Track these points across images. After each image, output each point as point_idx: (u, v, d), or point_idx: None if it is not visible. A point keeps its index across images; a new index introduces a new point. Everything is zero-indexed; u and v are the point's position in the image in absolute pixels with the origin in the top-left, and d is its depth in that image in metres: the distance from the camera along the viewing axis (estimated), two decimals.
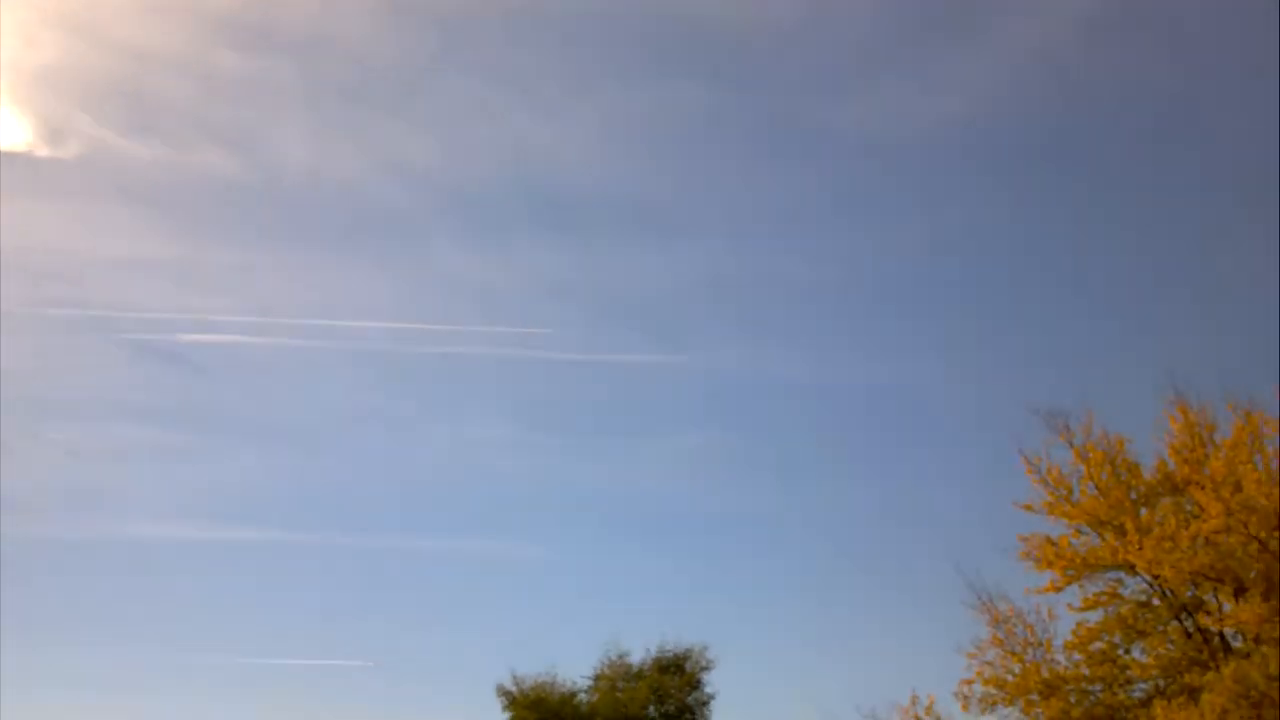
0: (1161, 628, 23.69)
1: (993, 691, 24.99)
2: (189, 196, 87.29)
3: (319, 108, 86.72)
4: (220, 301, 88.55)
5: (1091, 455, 24.74)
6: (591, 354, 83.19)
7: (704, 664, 45.37)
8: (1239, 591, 21.78)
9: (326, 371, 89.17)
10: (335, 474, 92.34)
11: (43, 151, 73.81)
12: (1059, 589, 24.82)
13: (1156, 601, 23.85)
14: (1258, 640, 21.20)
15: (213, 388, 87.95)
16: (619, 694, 44.66)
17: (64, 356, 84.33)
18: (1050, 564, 24.74)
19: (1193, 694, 21.21)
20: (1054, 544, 24.84)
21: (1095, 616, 24.42)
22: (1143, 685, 23.70)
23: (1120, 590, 24.23)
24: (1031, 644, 25.12)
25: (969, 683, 25.34)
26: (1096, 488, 24.54)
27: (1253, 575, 21.30)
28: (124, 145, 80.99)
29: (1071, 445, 25.06)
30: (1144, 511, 23.91)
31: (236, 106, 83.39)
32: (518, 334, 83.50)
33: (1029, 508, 25.38)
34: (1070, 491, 24.94)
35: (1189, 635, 23.33)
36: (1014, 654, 25.17)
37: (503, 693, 46.32)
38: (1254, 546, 20.94)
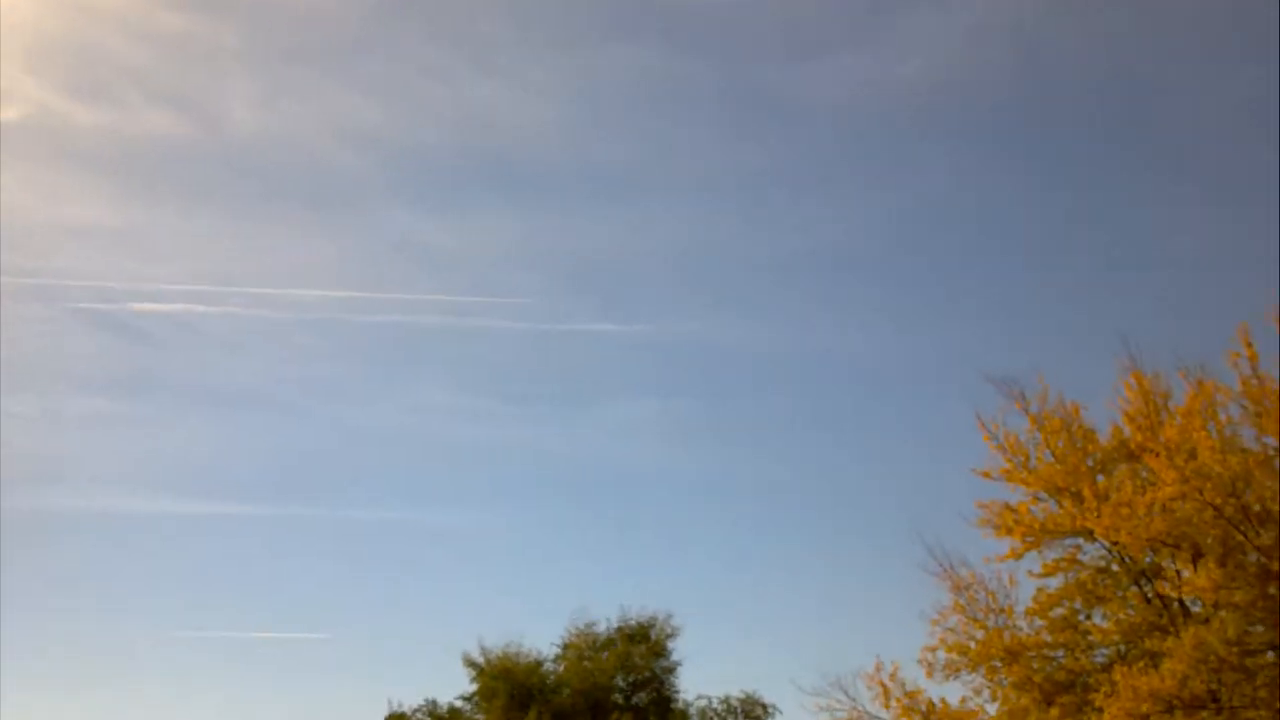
0: (1121, 593, 23.97)
1: (956, 658, 25.26)
2: (135, 160, 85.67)
3: (267, 70, 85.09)
4: (169, 269, 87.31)
5: (1047, 422, 24.91)
6: (549, 323, 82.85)
7: (669, 632, 45.72)
8: (1196, 557, 22.04)
9: (279, 340, 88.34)
10: (290, 444, 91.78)
11: None
12: (1019, 555, 25.04)
13: (1115, 567, 24.11)
14: (1216, 606, 21.52)
15: (163, 357, 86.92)
16: (587, 663, 44.89)
17: (10, 326, 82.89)
18: (1009, 530, 24.93)
19: (1153, 659, 21.52)
20: (1013, 511, 25.02)
21: (1055, 582, 24.66)
22: (1104, 651, 24.01)
23: (1079, 556, 24.44)
24: (993, 610, 25.38)
25: (932, 649, 25.62)
26: (1053, 455, 24.70)
27: (1209, 541, 21.54)
28: (68, 108, 79.25)
29: (1027, 413, 25.24)
30: (1101, 478, 24.13)
31: (183, 68, 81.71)
32: (473, 302, 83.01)
33: (987, 475, 25.54)
34: (1027, 458, 25.11)
35: (1148, 601, 23.63)
36: (976, 621, 25.43)
37: (469, 663, 46.43)
38: (1209, 513, 21.11)
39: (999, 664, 24.54)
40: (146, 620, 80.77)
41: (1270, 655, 20.88)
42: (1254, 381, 21.72)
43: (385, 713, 49.95)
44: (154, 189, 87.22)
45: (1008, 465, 25.42)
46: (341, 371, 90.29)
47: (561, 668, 45.75)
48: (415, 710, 49.94)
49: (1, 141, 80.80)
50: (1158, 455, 22.13)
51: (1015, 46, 76.50)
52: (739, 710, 45.65)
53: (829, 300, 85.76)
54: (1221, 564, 20.89)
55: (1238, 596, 20.86)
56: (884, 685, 25.57)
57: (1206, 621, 21.24)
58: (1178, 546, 22.21)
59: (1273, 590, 20.85)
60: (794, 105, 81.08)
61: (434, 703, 49.91)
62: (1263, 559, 20.85)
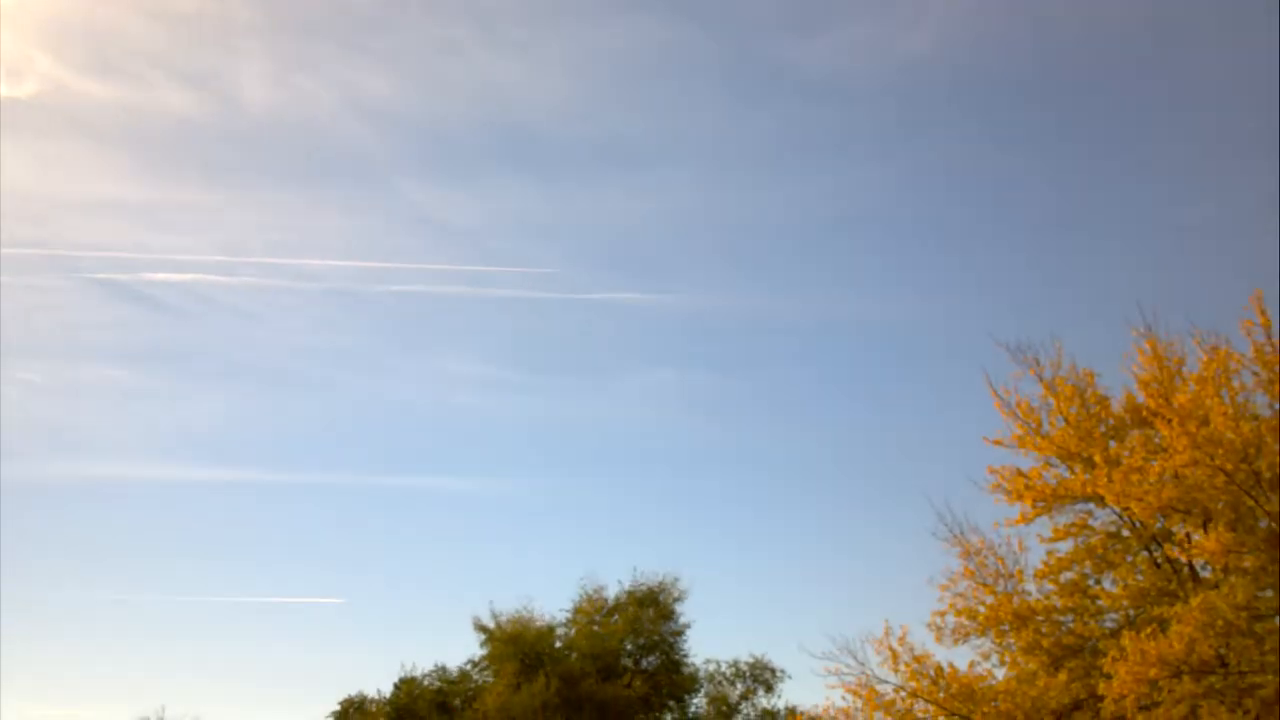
0: (1130, 558, 24.02)
1: (965, 622, 25.33)
2: (150, 135, 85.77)
3: (281, 45, 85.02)
4: (185, 241, 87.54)
5: (1061, 389, 24.92)
6: (564, 292, 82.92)
7: (677, 595, 45.98)
8: (1206, 523, 22.06)
9: (294, 310, 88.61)
10: (305, 413, 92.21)
11: (1, 91, 72.00)
12: (1029, 520, 25.10)
13: (1126, 532, 24.15)
14: (1225, 571, 21.55)
15: (180, 327, 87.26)
16: (596, 628, 45.14)
17: (28, 297, 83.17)
18: (1020, 496, 24.97)
19: (1162, 624, 21.55)
20: (1025, 476, 25.06)
21: (1065, 547, 24.71)
22: (1113, 616, 24.05)
23: (1090, 521, 24.51)
24: (1003, 575, 25.45)
25: (941, 614, 25.68)
26: (1066, 421, 24.73)
27: (1219, 506, 21.51)
28: (83, 84, 79.27)
29: (1041, 379, 25.26)
30: (1113, 444, 24.14)
31: (197, 45, 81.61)
32: (491, 273, 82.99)
33: (999, 443, 25.61)
34: (1040, 425, 25.14)
35: (1158, 566, 23.67)
36: (985, 585, 25.49)
37: (479, 627, 46.75)
38: (1220, 479, 21.07)
39: (1008, 628, 24.61)
40: (163, 585, 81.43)
41: (1278, 620, 20.90)
42: (1267, 348, 21.71)
43: (398, 677, 50.41)
44: (169, 163, 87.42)
45: (1020, 431, 25.45)
46: (359, 341, 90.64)
47: (572, 632, 46.03)
48: (426, 674, 50.36)
49: (17, 117, 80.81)
50: (1170, 421, 22.08)
51: (1022, 16, 76.05)
52: (748, 674, 45.96)
53: (843, 269, 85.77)
54: (1232, 528, 20.86)
55: (1247, 561, 20.88)
56: (892, 650, 25.57)
57: (1216, 586, 21.27)
58: (1188, 512, 22.20)
59: None
60: (806, 76, 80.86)
61: (444, 667, 50.34)
62: (1273, 524, 20.84)
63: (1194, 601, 20.71)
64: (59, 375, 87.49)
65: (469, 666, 49.26)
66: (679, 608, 45.91)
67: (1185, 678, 20.77)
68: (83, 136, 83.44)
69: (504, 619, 46.46)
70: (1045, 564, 24.80)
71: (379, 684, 51.56)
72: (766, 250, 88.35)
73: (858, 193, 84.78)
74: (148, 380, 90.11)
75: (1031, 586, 25.18)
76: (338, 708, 51.06)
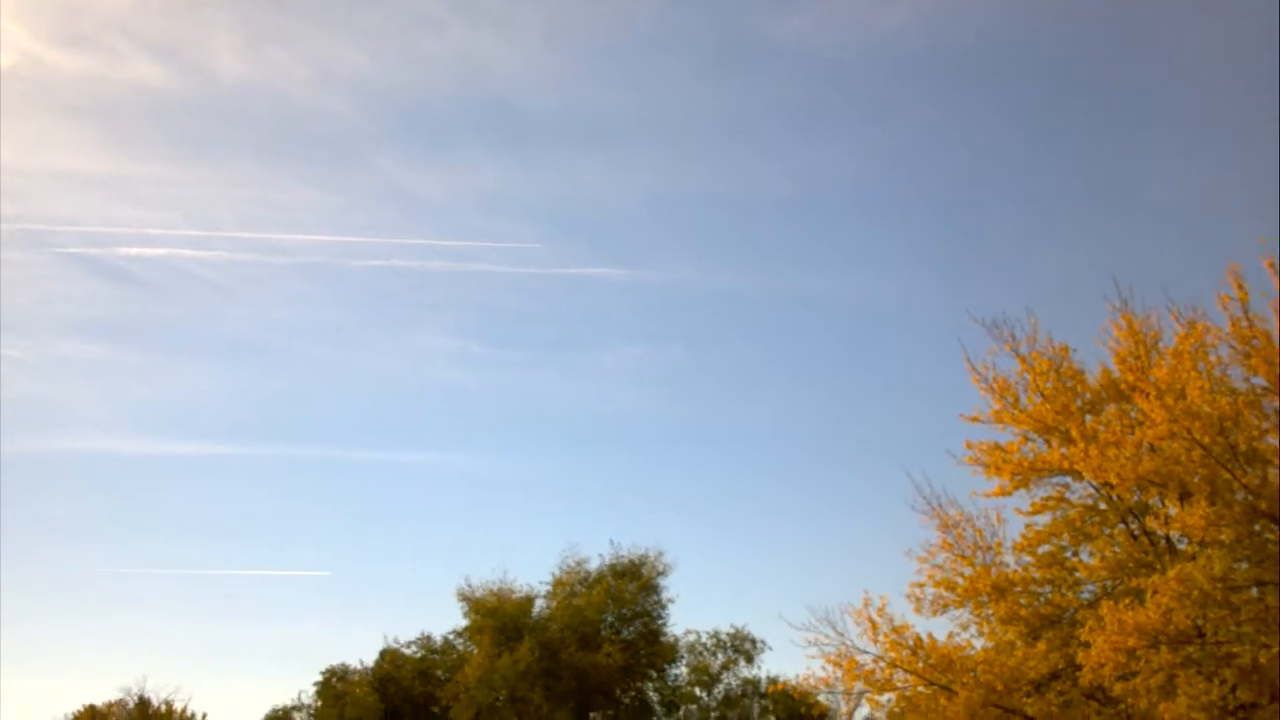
0: (1108, 531, 24.26)
1: (944, 594, 25.63)
2: (122, 108, 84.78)
3: (254, 17, 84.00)
4: (158, 215, 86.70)
5: (1037, 364, 25.10)
6: (539, 267, 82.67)
7: (660, 569, 46.23)
8: (1183, 496, 22.29)
9: (269, 285, 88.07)
10: (284, 387, 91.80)
11: None
12: (1007, 494, 25.32)
13: (1103, 505, 24.39)
14: (1202, 543, 21.79)
15: (154, 301, 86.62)
16: (576, 599, 45.36)
17: (2, 271, 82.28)
18: (998, 470, 25.18)
19: (1139, 595, 21.82)
20: (1002, 450, 25.25)
21: (1043, 520, 24.97)
22: (1090, 587, 24.37)
23: (1068, 494, 24.75)
24: (981, 548, 25.71)
25: (920, 585, 25.99)
26: (1043, 395, 24.91)
27: (1196, 480, 21.73)
28: (55, 56, 78.23)
29: (1017, 354, 25.41)
30: (1089, 418, 24.34)
31: (169, 16, 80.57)
32: (464, 247, 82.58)
33: (976, 419, 25.80)
34: (1017, 399, 25.33)
35: (1135, 538, 23.94)
36: (964, 557, 25.78)
37: (464, 598, 47.07)
38: (1197, 452, 21.28)
39: (986, 599, 24.90)
40: (147, 559, 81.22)
41: (1255, 591, 21.19)
42: (1244, 323, 21.85)
43: (381, 647, 50.66)
44: (141, 136, 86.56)
45: (997, 406, 25.61)
46: (335, 316, 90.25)
47: (552, 604, 46.29)
48: (409, 643, 50.64)
49: None
50: (1147, 395, 22.26)
51: None
52: (728, 644, 46.29)
53: (818, 244, 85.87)
54: (1210, 501, 21.06)
55: (1224, 534, 21.12)
56: (872, 620, 25.81)
57: (1193, 558, 21.52)
58: (1165, 486, 22.42)
59: (1258, 528, 21.15)
60: (783, 52, 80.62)
61: (428, 637, 50.64)
62: (1249, 497, 21.08)
63: (1171, 573, 20.95)
64: (35, 350, 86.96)
65: (453, 636, 49.58)
66: (663, 581, 46.19)
67: (1162, 647, 21.06)
68: (55, 108, 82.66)
69: (483, 591, 46.73)
70: (1023, 537, 25.04)
71: (365, 655, 51.87)
72: (741, 225, 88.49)
73: (834, 168, 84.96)
74: (123, 355, 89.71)
75: (1010, 559, 25.48)
76: (320, 678, 51.26)
